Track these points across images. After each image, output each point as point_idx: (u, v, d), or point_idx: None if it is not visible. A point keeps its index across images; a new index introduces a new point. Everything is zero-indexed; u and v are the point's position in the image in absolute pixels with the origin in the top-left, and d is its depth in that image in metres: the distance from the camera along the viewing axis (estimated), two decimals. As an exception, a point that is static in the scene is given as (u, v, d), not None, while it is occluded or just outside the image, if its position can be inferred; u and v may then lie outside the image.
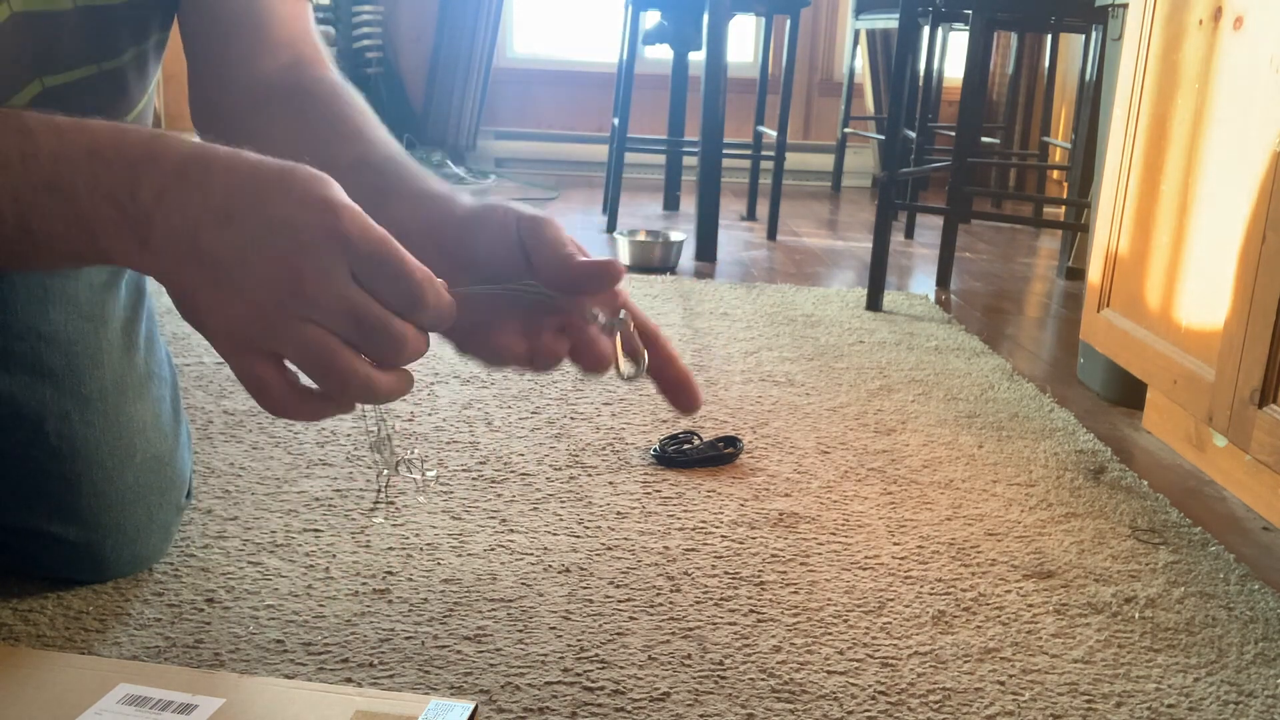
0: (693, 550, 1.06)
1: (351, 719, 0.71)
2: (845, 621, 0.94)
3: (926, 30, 3.32)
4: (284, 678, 0.81)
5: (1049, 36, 3.97)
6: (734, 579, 1.01)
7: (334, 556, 1.00)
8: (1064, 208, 3.11)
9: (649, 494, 1.19)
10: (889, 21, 3.44)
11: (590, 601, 0.95)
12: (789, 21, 3.11)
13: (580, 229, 2.98)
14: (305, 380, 0.53)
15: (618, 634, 0.90)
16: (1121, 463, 1.39)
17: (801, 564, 1.05)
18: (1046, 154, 4.06)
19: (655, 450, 1.29)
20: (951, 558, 1.07)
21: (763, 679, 0.85)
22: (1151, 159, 1.49)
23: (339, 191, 0.52)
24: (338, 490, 1.15)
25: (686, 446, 1.30)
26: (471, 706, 0.77)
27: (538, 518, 1.11)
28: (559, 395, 1.51)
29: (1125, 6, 1.90)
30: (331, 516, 1.09)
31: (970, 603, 0.99)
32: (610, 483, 1.22)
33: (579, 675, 0.84)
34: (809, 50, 4.55)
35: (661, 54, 3.35)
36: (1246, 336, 1.19)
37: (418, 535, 1.06)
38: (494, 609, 0.93)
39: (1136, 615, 0.98)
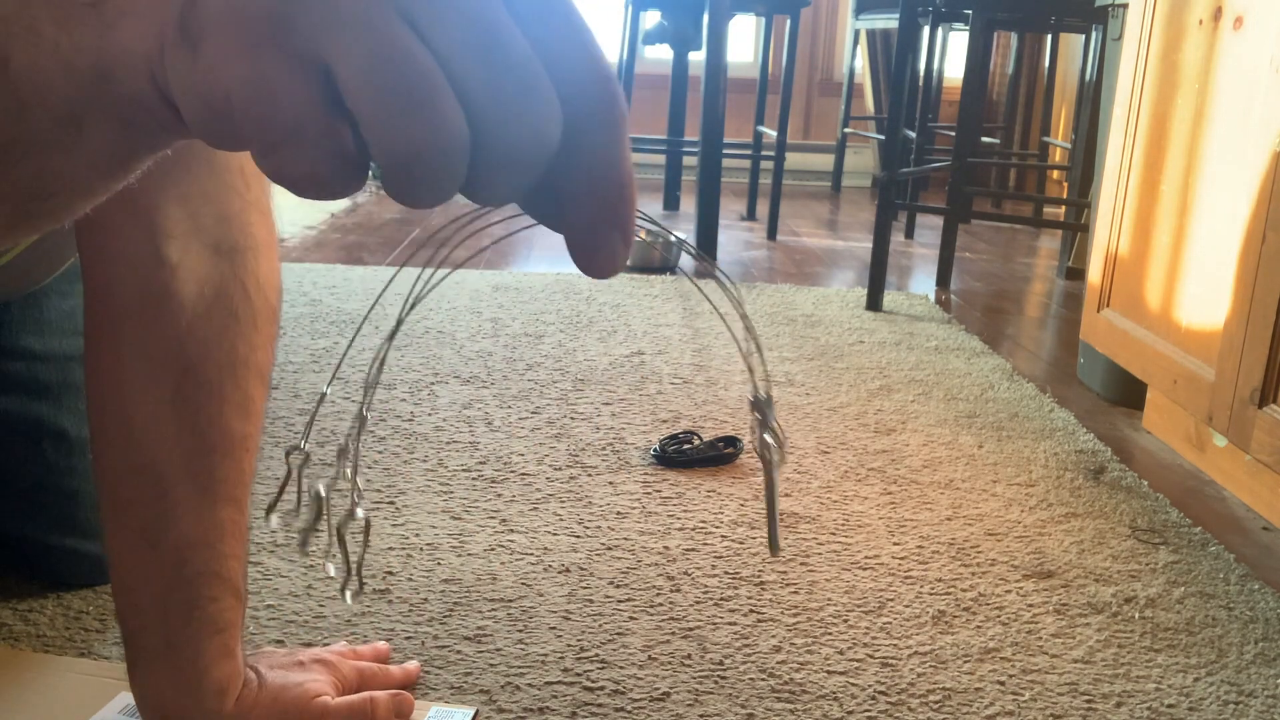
0: (693, 550, 1.06)
1: None
2: (845, 621, 0.94)
3: (926, 30, 3.32)
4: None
5: (1049, 36, 3.97)
6: (734, 579, 1.01)
7: (334, 556, 1.00)
8: (1064, 208, 3.11)
9: (649, 494, 1.19)
10: (889, 21, 3.44)
11: (590, 601, 0.95)
12: (789, 21, 3.11)
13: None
14: None
15: (618, 634, 0.90)
16: (1121, 463, 1.39)
17: (801, 564, 1.04)
18: (1046, 154, 4.06)
19: (655, 450, 1.29)
20: (951, 558, 1.07)
21: (763, 679, 0.85)
22: (1151, 159, 1.49)
23: None
24: (338, 490, 1.15)
25: (686, 446, 1.30)
26: (472, 711, 0.77)
27: (538, 518, 1.11)
28: (559, 395, 1.51)
29: (1125, 6, 1.90)
30: (332, 516, 1.08)
31: (970, 603, 0.99)
32: (610, 483, 1.22)
33: (579, 675, 0.84)
34: (809, 50, 4.55)
35: (661, 54, 3.35)
36: (1246, 336, 1.19)
37: (418, 535, 1.06)
38: (494, 609, 0.93)
39: (1136, 615, 0.98)
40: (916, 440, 1.41)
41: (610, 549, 1.05)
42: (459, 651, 0.86)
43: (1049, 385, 1.74)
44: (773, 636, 0.91)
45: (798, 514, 1.16)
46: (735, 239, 3.00)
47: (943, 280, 2.53)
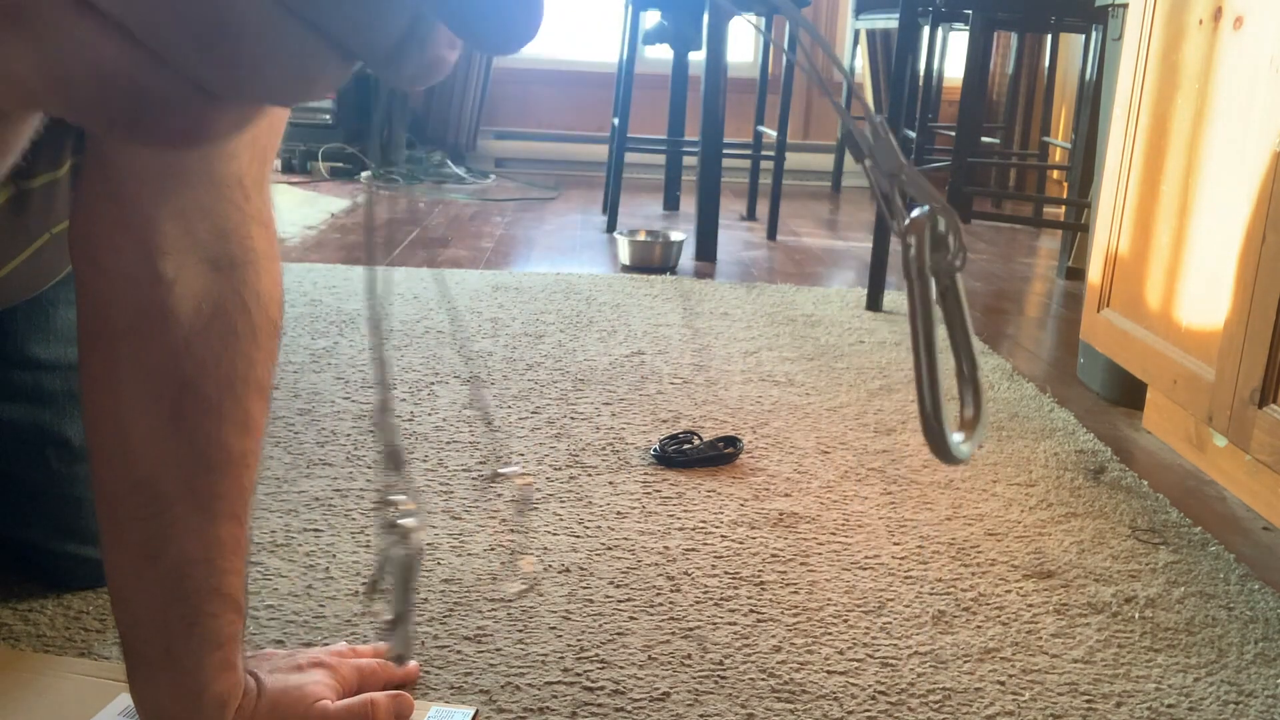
0: (693, 550, 1.06)
1: None
2: (845, 621, 0.94)
3: (926, 30, 3.32)
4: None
5: (1049, 36, 3.97)
6: (734, 579, 1.01)
7: (334, 556, 1.00)
8: (1064, 208, 3.11)
9: (649, 494, 1.19)
10: (889, 21, 3.44)
11: (590, 601, 0.95)
12: (789, 21, 3.11)
13: (580, 229, 2.98)
14: None
15: (618, 634, 0.90)
16: (1121, 463, 1.39)
17: (801, 564, 1.04)
18: (1046, 154, 4.06)
19: (655, 450, 1.29)
20: (951, 558, 1.07)
21: (763, 679, 0.85)
22: (1151, 159, 1.49)
23: None
24: (338, 490, 1.15)
25: (686, 446, 1.30)
26: (472, 711, 0.77)
27: (538, 518, 1.11)
28: (559, 395, 1.51)
29: (1125, 6, 1.90)
30: (331, 516, 1.09)
31: (970, 603, 0.99)
32: (610, 483, 1.22)
33: (579, 675, 0.84)
34: (809, 50, 4.55)
35: (661, 54, 3.34)
36: (1246, 336, 1.19)
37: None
38: (494, 609, 0.93)
39: (1136, 615, 0.98)
40: (916, 440, 1.41)
41: (610, 549, 1.05)
42: (459, 651, 0.86)
43: (1049, 385, 1.74)
44: (773, 636, 0.91)
45: (798, 514, 1.16)
46: (735, 239, 3.00)
47: (943, 280, 2.53)
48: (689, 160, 3.32)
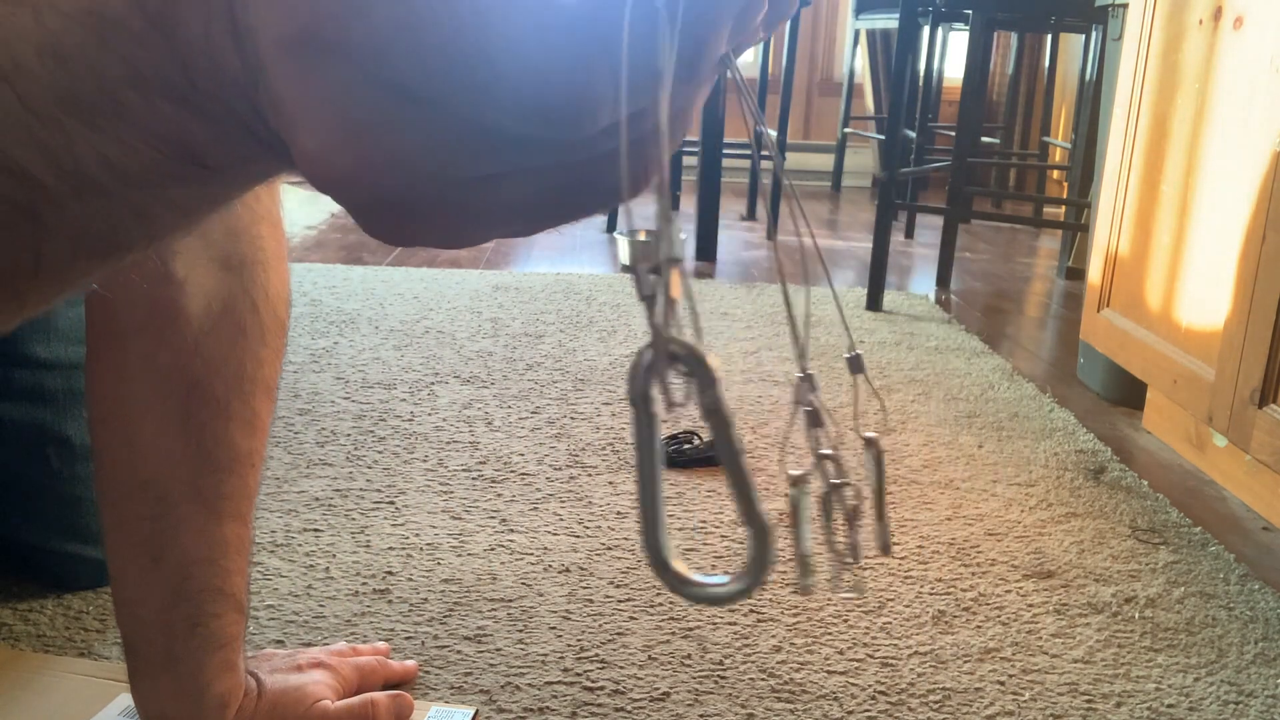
0: (693, 550, 1.06)
1: None
2: (845, 621, 0.94)
3: (926, 30, 3.32)
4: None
5: (1049, 36, 3.97)
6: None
7: (334, 556, 1.00)
8: (1064, 208, 3.11)
9: (649, 494, 1.19)
10: (889, 21, 3.44)
11: (590, 601, 0.95)
12: (788, 21, 3.11)
13: (580, 228, 2.98)
14: None
15: (618, 634, 0.90)
16: (1121, 463, 1.39)
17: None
18: (1046, 154, 4.06)
19: (655, 450, 1.29)
20: (951, 558, 1.07)
21: (763, 679, 0.85)
22: (1151, 159, 1.49)
23: None
24: (338, 490, 1.15)
25: (686, 446, 1.30)
26: (472, 711, 0.77)
27: (538, 518, 1.11)
28: (559, 395, 1.51)
29: (1125, 6, 1.90)
30: (331, 516, 1.09)
31: (970, 603, 0.99)
32: (610, 483, 1.22)
33: (579, 675, 0.84)
34: (809, 50, 4.55)
35: (661, 54, 3.34)
36: (1246, 336, 1.19)
37: (418, 535, 1.06)
38: (494, 609, 0.93)
39: (1136, 615, 0.98)
40: (916, 440, 1.41)
41: (610, 549, 1.05)
42: (459, 651, 0.86)
43: (1049, 385, 1.74)
44: (773, 636, 0.91)
45: (798, 514, 1.16)
46: (735, 239, 3.00)
47: (943, 280, 2.53)
48: (689, 160, 3.33)
